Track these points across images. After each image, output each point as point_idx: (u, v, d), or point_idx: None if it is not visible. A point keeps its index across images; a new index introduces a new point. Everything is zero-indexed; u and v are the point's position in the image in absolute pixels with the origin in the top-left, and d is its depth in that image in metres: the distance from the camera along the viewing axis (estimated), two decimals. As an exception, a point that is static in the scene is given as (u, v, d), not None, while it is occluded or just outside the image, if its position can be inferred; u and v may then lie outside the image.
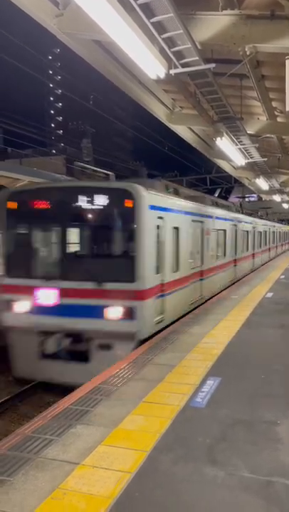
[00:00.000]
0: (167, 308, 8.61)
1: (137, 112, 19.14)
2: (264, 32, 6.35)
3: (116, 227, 8.05)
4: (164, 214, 8.48)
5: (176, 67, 6.36)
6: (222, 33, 6.42)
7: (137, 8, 4.94)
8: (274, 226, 30.81)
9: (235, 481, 3.12)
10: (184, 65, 6.40)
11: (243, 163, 13.60)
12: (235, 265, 16.48)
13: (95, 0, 4.30)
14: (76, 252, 8.57)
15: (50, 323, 7.61)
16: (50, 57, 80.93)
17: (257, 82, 9.18)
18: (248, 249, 19.36)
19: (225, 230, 14.61)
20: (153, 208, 7.91)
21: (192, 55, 6.12)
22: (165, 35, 5.57)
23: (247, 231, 19.01)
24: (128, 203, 7.36)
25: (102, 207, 7.79)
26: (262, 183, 20.21)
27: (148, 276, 7.60)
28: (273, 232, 29.94)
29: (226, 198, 31.85)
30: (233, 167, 19.82)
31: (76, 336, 7.56)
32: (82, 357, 7.53)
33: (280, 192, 24.99)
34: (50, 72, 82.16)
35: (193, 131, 14.51)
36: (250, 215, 22.25)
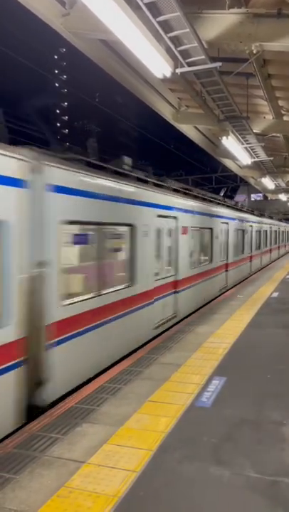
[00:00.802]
0: None
1: (143, 111, 19.13)
2: (271, 30, 6.31)
3: None
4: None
5: (182, 66, 6.35)
6: (228, 32, 6.39)
7: (144, 7, 4.94)
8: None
9: (241, 480, 3.12)
10: (190, 64, 6.39)
11: (249, 162, 13.56)
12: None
13: (102, -1, 4.30)
14: None
15: None
16: (55, 57, 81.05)
17: (263, 81, 9.14)
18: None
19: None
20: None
21: (199, 53, 6.11)
22: (171, 34, 5.56)
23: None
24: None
25: None
26: (268, 183, 20.13)
27: None
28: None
29: (231, 198, 31.70)
30: (239, 166, 19.76)
31: None
32: None
33: (286, 191, 24.90)
34: (56, 71, 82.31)
35: (199, 130, 14.48)
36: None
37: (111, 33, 5.04)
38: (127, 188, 7.14)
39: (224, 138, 10.40)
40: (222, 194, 28.32)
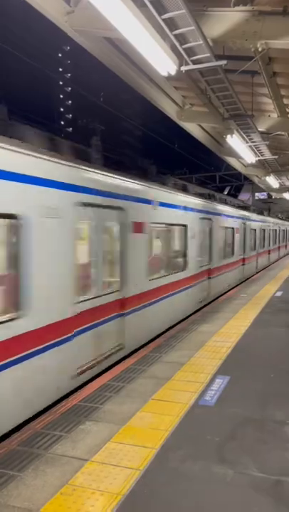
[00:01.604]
0: None
1: (147, 110, 19.08)
2: (276, 28, 6.27)
3: None
4: None
5: (187, 63, 6.31)
6: (234, 29, 6.35)
7: (149, 5, 4.91)
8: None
9: (244, 479, 3.11)
10: (195, 62, 6.35)
11: (254, 161, 13.50)
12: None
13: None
14: None
15: None
16: (60, 55, 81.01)
17: (268, 79, 9.09)
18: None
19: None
20: None
21: (204, 51, 6.07)
22: (176, 32, 5.53)
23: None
24: None
25: None
26: (272, 181, 20.06)
27: None
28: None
29: (235, 196, 31.60)
30: (243, 165, 19.67)
31: None
32: None
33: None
34: (60, 69, 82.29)
35: (203, 128, 14.41)
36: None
37: (116, 31, 5.01)
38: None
39: (229, 136, 10.34)
40: (226, 193, 28.24)
